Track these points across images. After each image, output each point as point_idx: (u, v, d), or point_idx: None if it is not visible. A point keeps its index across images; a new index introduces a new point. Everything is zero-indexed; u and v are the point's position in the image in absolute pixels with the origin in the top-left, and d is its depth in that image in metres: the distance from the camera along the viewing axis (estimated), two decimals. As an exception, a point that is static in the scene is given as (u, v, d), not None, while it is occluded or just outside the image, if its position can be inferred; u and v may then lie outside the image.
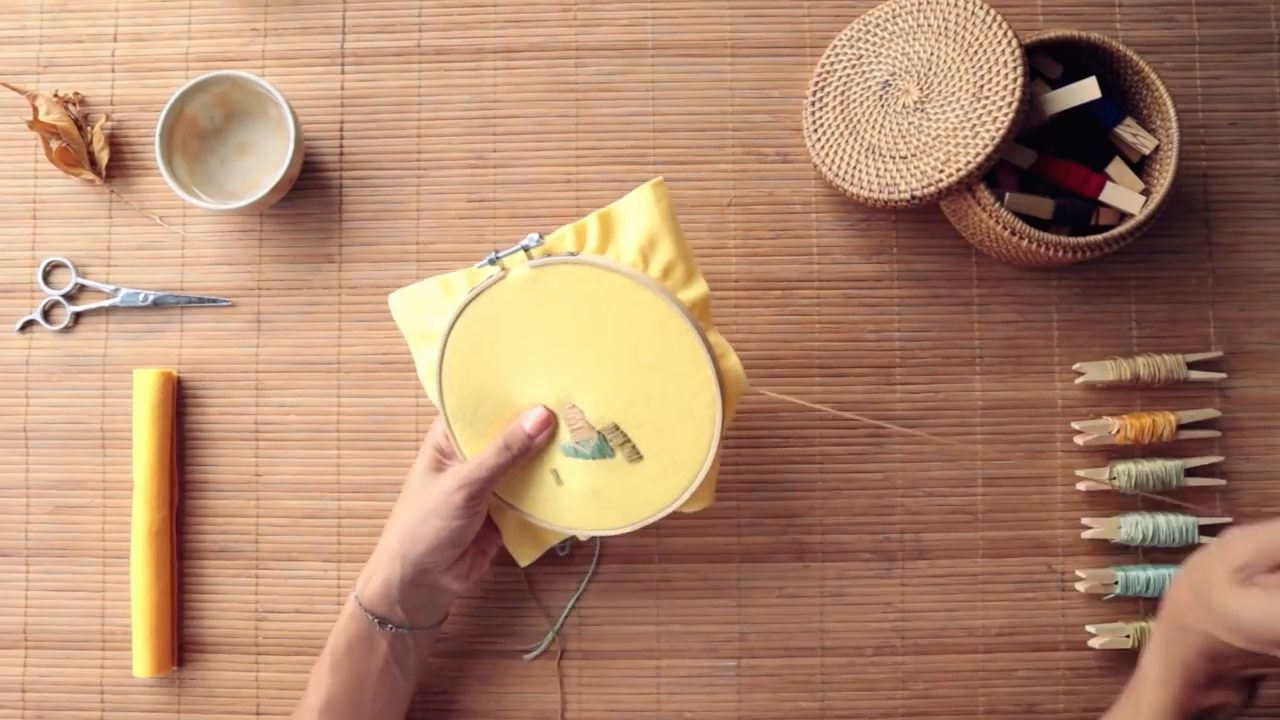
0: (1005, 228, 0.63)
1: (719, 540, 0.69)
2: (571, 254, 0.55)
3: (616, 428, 0.58)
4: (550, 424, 0.59)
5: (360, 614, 0.60)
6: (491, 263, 0.56)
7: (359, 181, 0.72)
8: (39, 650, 0.70)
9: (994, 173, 0.67)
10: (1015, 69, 0.61)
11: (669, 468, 0.58)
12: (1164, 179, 0.64)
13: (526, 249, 0.55)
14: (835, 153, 0.67)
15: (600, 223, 0.56)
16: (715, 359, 0.55)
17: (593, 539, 0.69)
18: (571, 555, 0.69)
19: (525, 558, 0.66)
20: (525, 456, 0.59)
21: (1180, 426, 0.68)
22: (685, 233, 0.70)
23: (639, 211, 0.56)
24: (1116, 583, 0.67)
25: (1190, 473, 0.68)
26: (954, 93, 0.63)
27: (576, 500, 0.60)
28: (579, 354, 0.57)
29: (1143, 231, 0.64)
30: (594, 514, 0.61)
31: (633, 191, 0.56)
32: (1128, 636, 0.67)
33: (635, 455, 0.58)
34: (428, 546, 0.58)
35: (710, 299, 0.57)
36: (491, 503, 0.63)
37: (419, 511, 0.59)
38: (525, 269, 0.55)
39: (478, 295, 0.56)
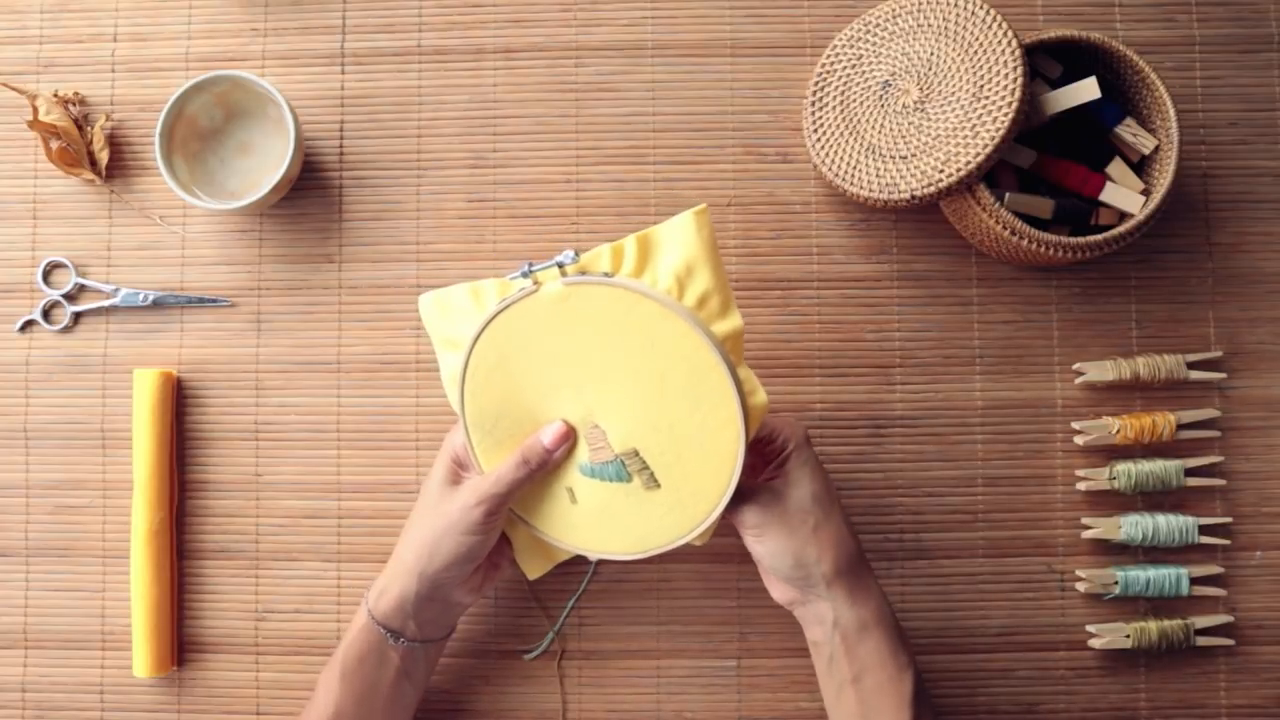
0: (1005, 228, 0.63)
1: (719, 540, 0.69)
2: (607, 275, 0.54)
3: (636, 453, 0.57)
4: (569, 439, 0.58)
5: (372, 627, 0.59)
6: (525, 275, 0.55)
7: (359, 181, 0.72)
8: (39, 650, 0.70)
9: (994, 173, 0.67)
10: (1015, 69, 0.61)
11: (685, 500, 0.57)
12: (1164, 179, 0.64)
13: (561, 265, 0.54)
14: (835, 153, 0.67)
15: (639, 245, 0.55)
16: (743, 396, 0.53)
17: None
18: (572, 556, 0.69)
19: (535, 571, 0.66)
20: (543, 471, 0.58)
21: (1180, 426, 0.68)
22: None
23: (679, 238, 0.54)
24: (1116, 583, 0.67)
25: (1190, 473, 0.68)
26: (954, 93, 0.63)
27: (589, 520, 0.60)
28: (606, 375, 0.56)
29: (1143, 231, 0.64)
30: (605, 536, 0.60)
31: (675, 217, 0.55)
32: (1128, 636, 0.67)
33: (653, 483, 0.57)
34: (445, 562, 0.58)
35: (744, 332, 0.56)
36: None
37: (437, 527, 0.58)
38: (558, 285, 0.54)
39: (508, 307, 0.55)
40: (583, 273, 0.54)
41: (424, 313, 0.61)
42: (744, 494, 0.57)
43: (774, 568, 0.58)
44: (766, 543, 0.57)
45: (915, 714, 0.56)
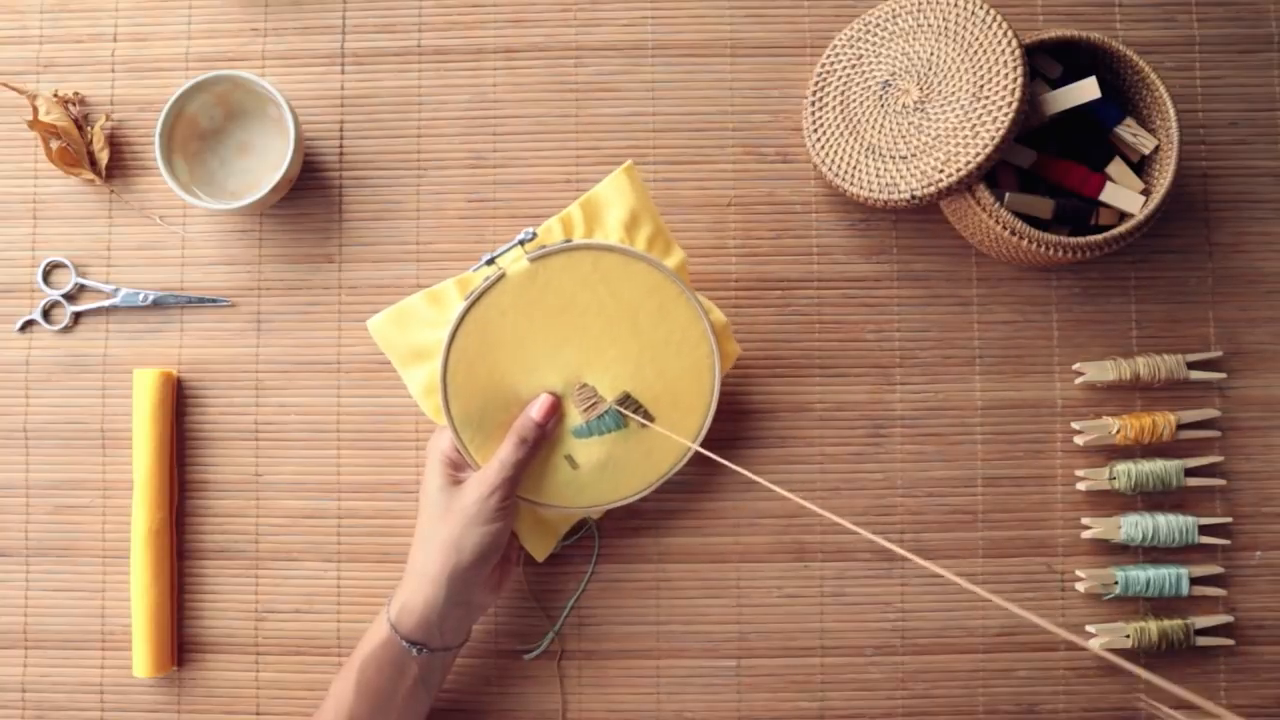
0: (1005, 228, 0.63)
1: (718, 540, 0.69)
2: (566, 241, 0.59)
3: (628, 396, 0.60)
4: (557, 409, 0.60)
5: (395, 641, 0.59)
6: (489, 263, 0.58)
7: (359, 181, 0.72)
8: (39, 650, 0.70)
9: (994, 173, 0.67)
10: (1015, 69, 0.61)
11: (678, 421, 0.62)
12: (1164, 179, 0.64)
13: (522, 243, 0.58)
14: (835, 153, 0.67)
15: (584, 210, 0.61)
16: (706, 313, 0.61)
17: (597, 523, 0.69)
18: (571, 555, 0.69)
19: (541, 551, 0.66)
20: (540, 446, 0.60)
21: (1180, 426, 0.68)
22: (685, 233, 0.71)
23: (618, 193, 0.61)
24: (1116, 583, 0.67)
25: (1190, 473, 0.68)
26: (954, 93, 0.63)
27: (594, 478, 0.62)
28: (583, 333, 0.60)
29: (1143, 231, 0.64)
30: (613, 486, 0.62)
31: (608, 177, 0.61)
32: (1128, 636, 0.67)
33: (647, 419, 0.61)
34: (473, 557, 0.58)
35: (688, 263, 0.63)
36: None
37: (456, 526, 0.58)
38: (524, 263, 0.58)
39: (478, 298, 0.58)
40: (542, 246, 0.59)
41: (378, 333, 0.61)
42: None
43: None
44: None
45: None
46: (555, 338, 0.59)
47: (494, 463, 0.58)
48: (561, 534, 0.67)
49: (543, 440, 0.60)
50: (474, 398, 0.59)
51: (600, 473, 0.61)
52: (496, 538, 0.59)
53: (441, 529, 0.59)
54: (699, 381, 0.61)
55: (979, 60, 0.63)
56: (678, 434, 0.62)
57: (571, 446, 0.61)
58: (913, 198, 0.64)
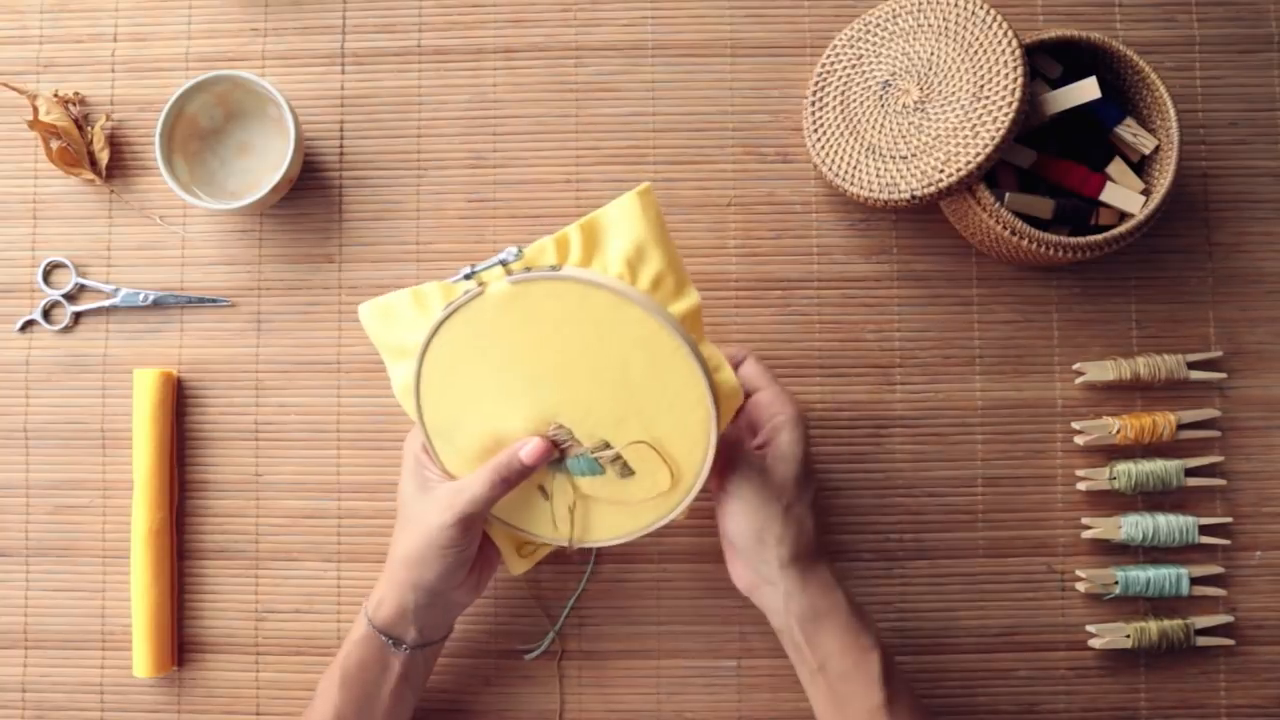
0: (1005, 228, 0.63)
1: (719, 540, 0.69)
2: (553, 268, 0.52)
3: (606, 445, 0.55)
4: (549, 456, 0.56)
5: (373, 636, 0.59)
6: (467, 277, 0.52)
7: (359, 181, 0.72)
8: (39, 650, 0.70)
9: (994, 173, 0.67)
10: (1015, 69, 0.61)
11: (662, 482, 0.56)
12: (1164, 179, 0.64)
13: (505, 263, 0.51)
14: (835, 153, 0.67)
15: (583, 233, 0.52)
16: (709, 373, 0.52)
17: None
18: (571, 555, 0.69)
19: (519, 567, 0.65)
20: (517, 485, 0.57)
21: (1180, 426, 0.68)
22: (685, 233, 0.71)
23: (625, 220, 0.52)
24: (1116, 583, 0.67)
25: (1190, 473, 0.68)
26: (954, 93, 0.63)
27: (565, 515, 0.59)
28: (565, 372, 0.54)
29: (1143, 231, 0.64)
30: (583, 527, 0.59)
31: (618, 199, 0.53)
32: (1128, 636, 0.67)
33: (627, 471, 0.56)
34: (437, 575, 0.58)
35: (702, 308, 0.55)
36: None
37: (418, 542, 0.57)
38: (504, 285, 0.52)
39: (454, 311, 0.53)
40: (528, 268, 0.52)
41: (366, 322, 0.59)
42: (726, 460, 0.57)
43: (735, 538, 0.58)
44: (735, 513, 0.57)
45: (887, 694, 0.55)
46: (533, 370, 0.54)
47: (466, 493, 0.56)
48: (539, 557, 0.65)
49: (523, 480, 0.57)
50: (448, 411, 0.56)
51: (570, 513, 0.59)
52: (459, 558, 0.57)
53: (408, 540, 0.58)
54: (691, 448, 0.54)
55: (979, 60, 0.63)
56: (660, 496, 0.56)
57: (545, 477, 0.58)
58: (913, 198, 0.64)
